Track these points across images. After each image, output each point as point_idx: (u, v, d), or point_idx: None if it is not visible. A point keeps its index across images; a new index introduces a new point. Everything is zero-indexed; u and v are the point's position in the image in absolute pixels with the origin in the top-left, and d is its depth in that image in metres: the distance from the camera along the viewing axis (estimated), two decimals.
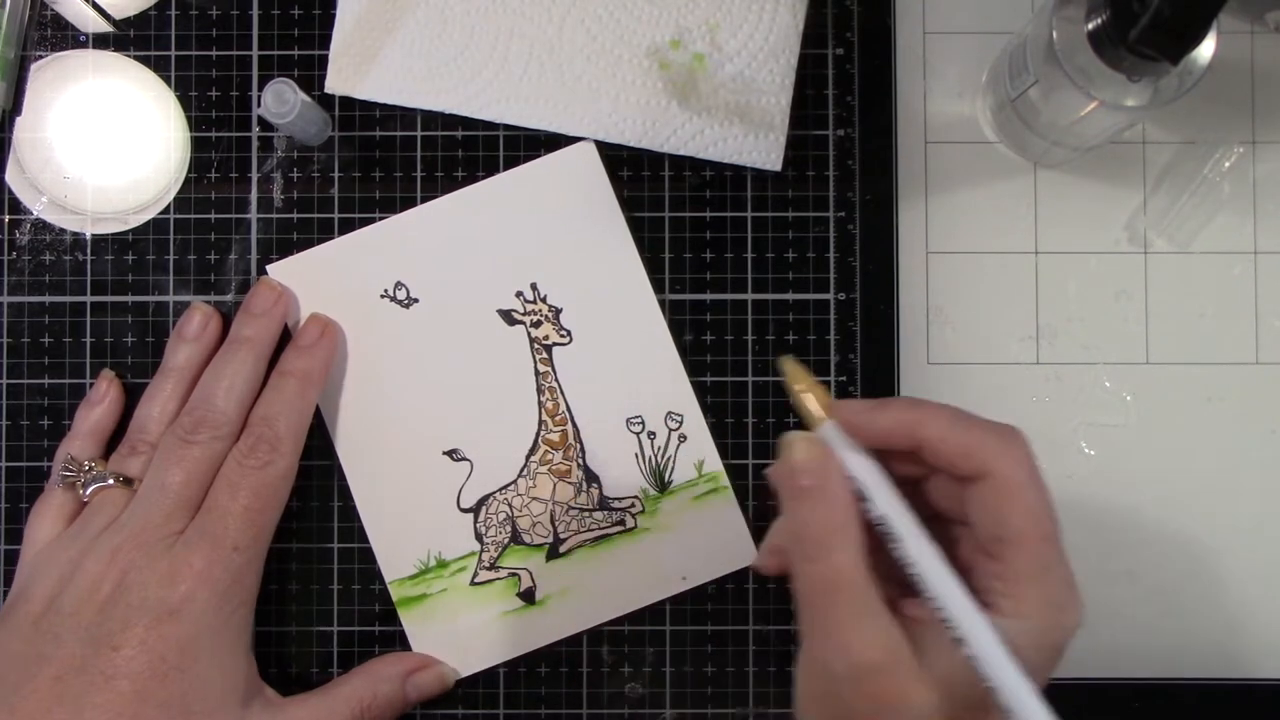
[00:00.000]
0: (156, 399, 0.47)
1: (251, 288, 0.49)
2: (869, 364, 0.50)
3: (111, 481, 0.46)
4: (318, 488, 0.50)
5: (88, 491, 0.46)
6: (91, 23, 0.50)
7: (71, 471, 0.47)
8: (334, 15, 0.50)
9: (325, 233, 0.50)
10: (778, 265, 0.50)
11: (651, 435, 0.49)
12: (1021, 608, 0.35)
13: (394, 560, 0.49)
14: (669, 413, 0.49)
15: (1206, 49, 0.41)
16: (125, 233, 0.50)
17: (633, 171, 0.50)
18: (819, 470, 0.36)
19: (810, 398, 0.37)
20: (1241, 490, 0.50)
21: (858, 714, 0.35)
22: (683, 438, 0.49)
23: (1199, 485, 0.50)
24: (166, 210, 0.50)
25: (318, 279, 0.50)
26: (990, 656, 0.34)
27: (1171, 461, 0.50)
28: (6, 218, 0.50)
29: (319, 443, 0.49)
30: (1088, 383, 0.50)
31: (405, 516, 0.49)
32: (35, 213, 0.50)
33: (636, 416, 0.49)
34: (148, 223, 0.50)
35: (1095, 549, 0.50)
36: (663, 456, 0.49)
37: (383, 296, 0.50)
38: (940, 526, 0.37)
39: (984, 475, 0.36)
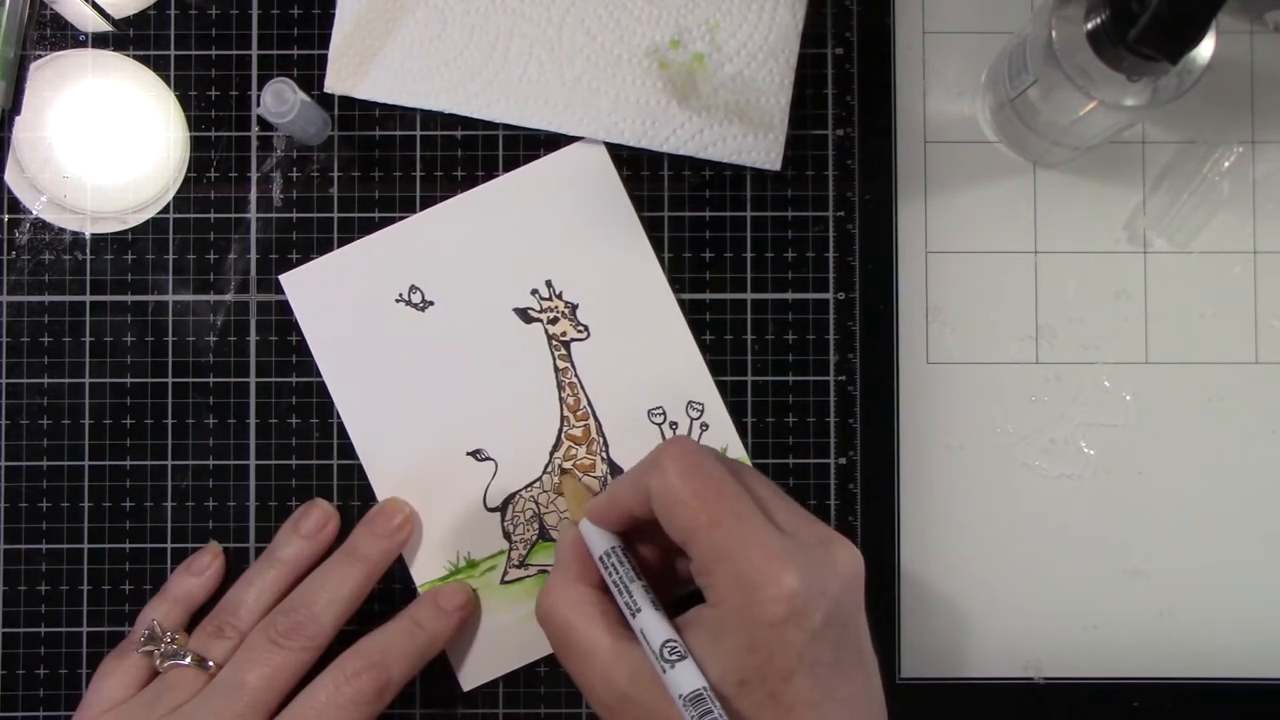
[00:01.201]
0: (255, 585, 0.47)
1: (378, 505, 0.49)
2: (868, 364, 0.50)
3: (189, 661, 0.46)
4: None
5: (163, 665, 0.46)
6: (91, 22, 0.50)
7: (152, 641, 0.46)
8: (334, 15, 0.50)
9: (325, 232, 0.50)
10: (777, 265, 0.50)
11: (674, 425, 0.50)
12: (715, 593, 0.39)
13: (424, 563, 0.49)
14: (690, 402, 0.50)
15: (1206, 49, 0.41)
16: (124, 232, 0.50)
17: (632, 171, 0.50)
18: (576, 545, 0.44)
19: (576, 508, 0.46)
20: (1241, 490, 0.50)
21: None
22: (705, 426, 0.50)
23: (1199, 485, 0.50)
24: (166, 210, 0.50)
25: (331, 286, 0.50)
26: (650, 631, 0.39)
27: (1171, 462, 0.50)
28: (6, 217, 0.50)
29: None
30: (1088, 383, 0.50)
31: (432, 519, 0.49)
32: (35, 212, 0.50)
33: (658, 408, 0.50)
34: (147, 222, 0.50)
35: (1094, 549, 0.50)
36: None
37: (398, 301, 0.50)
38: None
39: (650, 496, 0.40)
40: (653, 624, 0.39)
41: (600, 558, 0.42)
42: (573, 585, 0.42)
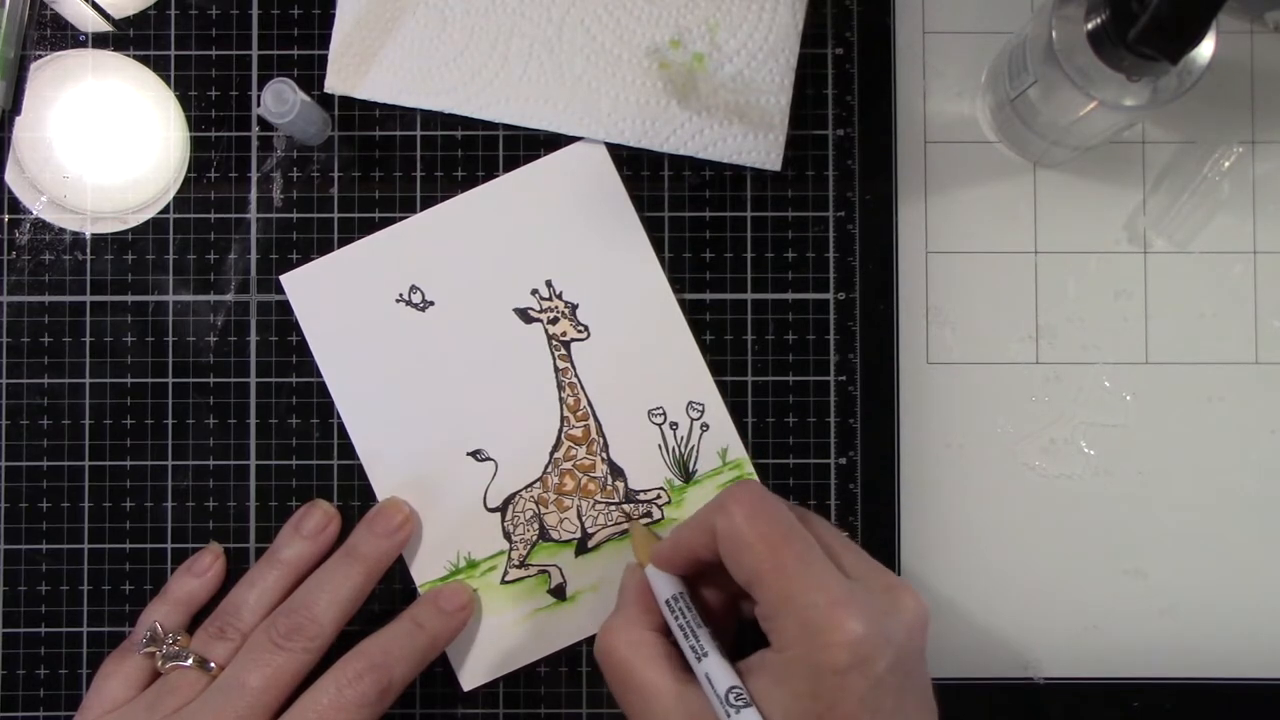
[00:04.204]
0: (257, 586, 0.47)
1: (378, 505, 0.49)
2: (868, 364, 0.50)
3: (190, 662, 0.46)
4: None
5: (165, 666, 0.46)
6: (91, 22, 0.50)
7: (154, 643, 0.46)
8: (334, 15, 0.50)
9: (325, 232, 0.50)
10: (777, 265, 0.50)
11: (674, 426, 0.50)
12: (780, 638, 0.39)
13: (424, 563, 0.49)
14: (690, 402, 0.50)
15: (1206, 49, 0.41)
16: (125, 232, 0.50)
17: (632, 171, 0.50)
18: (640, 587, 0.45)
19: (642, 552, 0.46)
20: (1241, 490, 0.50)
21: None
22: (705, 426, 0.50)
23: (1199, 485, 0.50)
24: (166, 210, 0.50)
25: (332, 285, 0.50)
26: (715, 677, 0.39)
27: (1171, 462, 0.50)
28: (6, 217, 0.50)
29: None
30: (1088, 382, 0.50)
31: (432, 519, 0.49)
32: (35, 212, 0.50)
33: (658, 408, 0.50)
34: (147, 222, 0.50)
35: (1094, 549, 0.50)
36: (686, 446, 0.50)
37: (398, 301, 0.50)
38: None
39: (716, 538, 0.40)
40: (718, 670, 0.40)
41: (666, 602, 0.42)
42: (634, 627, 0.42)
